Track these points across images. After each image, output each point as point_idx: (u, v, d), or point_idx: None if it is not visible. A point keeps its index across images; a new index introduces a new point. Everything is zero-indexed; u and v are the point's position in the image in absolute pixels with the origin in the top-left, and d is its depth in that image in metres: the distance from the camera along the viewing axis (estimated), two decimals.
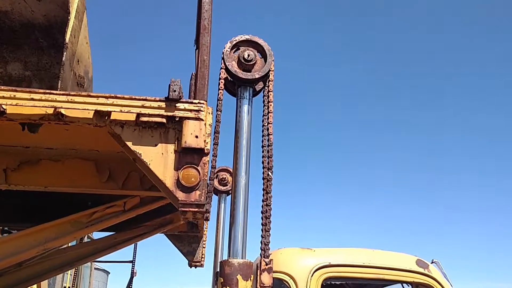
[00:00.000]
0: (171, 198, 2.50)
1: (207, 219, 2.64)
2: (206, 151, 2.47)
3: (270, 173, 3.14)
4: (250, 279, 2.86)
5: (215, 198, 6.10)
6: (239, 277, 2.81)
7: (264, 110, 3.29)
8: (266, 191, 3.13)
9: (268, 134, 3.22)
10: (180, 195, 2.44)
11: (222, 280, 2.82)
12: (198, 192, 2.45)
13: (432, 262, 3.88)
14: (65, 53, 3.13)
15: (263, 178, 3.15)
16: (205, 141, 2.47)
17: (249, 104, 3.20)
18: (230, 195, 5.67)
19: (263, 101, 3.28)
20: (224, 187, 6.06)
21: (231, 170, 6.05)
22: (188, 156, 2.47)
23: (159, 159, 2.46)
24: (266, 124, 3.26)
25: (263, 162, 3.19)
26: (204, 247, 4.99)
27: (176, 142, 2.49)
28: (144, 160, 2.45)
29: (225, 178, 6.00)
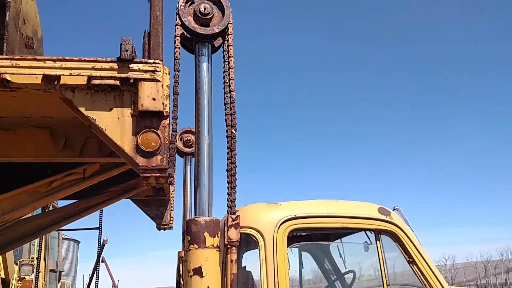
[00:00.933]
0: (132, 164, 2.42)
1: (171, 183, 2.57)
2: (165, 113, 2.37)
3: (233, 131, 3.09)
4: (217, 236, 2.85)
5: (180, 160, 6.03)
6: (206, 234, 2.79)
7: (224, 66, 3.17)
8: (231, 149, 3.09)
9: (230, 91, 3.13)
10: (141, 161, 2.35)
11: (189, 238, 2.80)
12: (159, 157, 2.37)
13: (394, 209, 3.94)
14: (8, 13, 2.91)
15: (227, 136, 3.10)
16: (163, 103, 2.37)
17: (208, 62, 3.08)
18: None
19: (223, 57, 3.16)
20: (189, 149, 5.98)
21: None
22: (146, 120, 2.37)
23: (115, 124, 2.35)
24: (227, 81, 3.15)
25: (226, 120, 3.12)
26: (172, 210, 4.95)
27: (132, 106, 2.38)
28: (100, 126, 2.34)
29: (189, 139, 5.91)
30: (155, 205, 4.74)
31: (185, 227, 2.93)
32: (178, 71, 2.79)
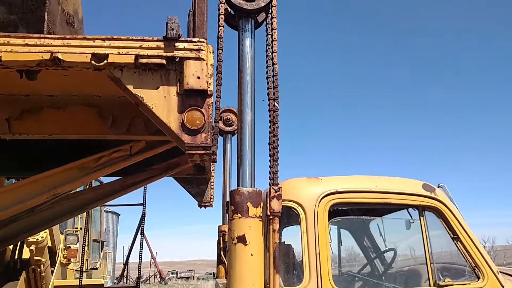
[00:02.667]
0: (177, 142, 2.47)
1: (214, 161, 2.62)
2: (209, 92, 2.40)
3: (276, 104, 3.10)
4: (260, 206, 2.91)
5: (220, 139, 6.10)
6: (249, 204, 2.87)
7: (267, 39, 3.16)
8: (273, 122, 3.11)
9: (273, 64, 3.12)
10: (186, 138, 2.40)
11: (233, 208, 2.88)
12: (203, 135, 2.41)
13: (438, 186, 3.88)
14: None
15: (269, 110, 3.11)
16: (207, 82, 2.39)
17: (251, 38, 3.08)
18: (236, 135, 5.64)
19: (266, 30, 3.14)
20: (229, 128, 6.04)
21: (235, 110, 6.07)
22: (191, 99, 2.41)
23: (162, 102, 2.40)
24: (270, 54, 3.14)
25: (268, 94, 3.12)
26: (212, 188, 5.03)
27: (178, 84, 2.42)
28: (147, 104, 2.39)
29: (229, 118, 5.98)
30: (196, 183, 4.83)
31: (229, 197, 3.00)
32: (222, 49, 2.82)
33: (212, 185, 5.01)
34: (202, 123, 2.40)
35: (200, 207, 4.98)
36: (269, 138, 3.13)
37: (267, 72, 3.14)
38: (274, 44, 3.10)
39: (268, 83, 3.14)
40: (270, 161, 3.12)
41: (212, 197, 5.01)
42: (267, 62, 3.17)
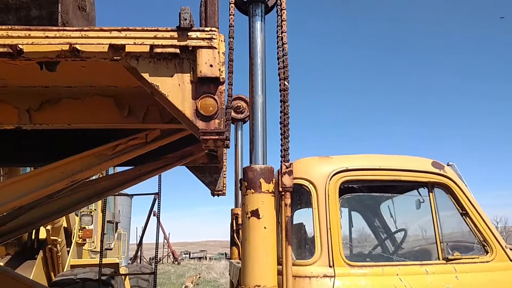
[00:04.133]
0: (192, 128, 2.57)
1: (227, 146, 2.72)
2: (221, 79, 2.49)
3: (286, 83, 3.17)
4: (272, 182, 3.02)
5: (232, 127, 6.18)
6: (261, 180, 3.01)
7: (277, 20, 3.23)
8: (283, 100, 3.18)
9: (283, 44, 3.19)
10: (200, 124, 2.49)
11: (246, 184, 3.00)
12: (217, 121, 2.50)
13: (447, 165, 3.93)
14: None
15: (280, 89, 3.18)
16: (219, 69, 2.48)
17: (262, 21, 3.15)
18: (247, 122, 5.73)
19: (276, 11, 3.19)
20: (240, 115, 6.10)
21: (246, 98, 6.14)
22: (204, 86, 2.50)
23: (176, 90, 2.49)
24: (280, 34, 3.20)
25: (279, 74, 3.19)
26: (224, 177, 5.13)
27: (191, 73, 2.51)
28: (162, 92, 2.49)
29: (240, 106, 6.04)
30: (209, 172, 4.94)
31: (242, 174, 3.12)
32: (233, 37, 2.91)
33: (224, 174, 5.11)
34: (215, 109, 2.49)
35: (213, 196, 5.09)
36: (280, 116, 3.21)
37: (277, 53, 3.21)
38: (284, 24, 3.15)
39: (278, 63, 3.20)
40: (281, 139, 3.21)
41: (224, 185, 5.12)
42: (277, 42, 3.23)
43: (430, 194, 3.73)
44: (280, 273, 3.18)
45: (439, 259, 3.63)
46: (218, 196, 5.14)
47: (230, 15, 2.97)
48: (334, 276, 3.38)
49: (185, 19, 2.46)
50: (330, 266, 3.41)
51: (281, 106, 3.22)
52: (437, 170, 3.77)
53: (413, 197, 4.09)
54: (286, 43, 3.17)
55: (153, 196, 9.93)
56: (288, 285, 3.17)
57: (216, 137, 2.51)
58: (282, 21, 3.17)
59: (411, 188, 4.04)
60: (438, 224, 3.67)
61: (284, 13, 3.14)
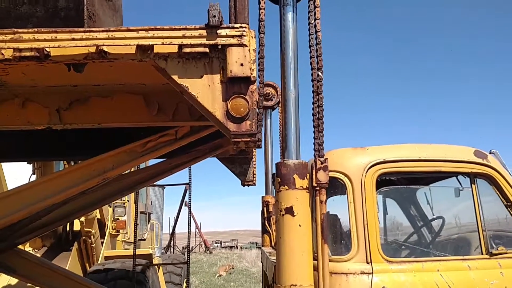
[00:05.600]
0: (223, 129, 2.49)
1: (259, 147, 2.65)
2: (252, 79, 2.38)
3: (320, 73, 3.04)
4: (306, 178, 2.94)
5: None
6: (295, 176, 2.92)
7: (309, 6, 3.08)
8: (317, 92, 3.06)
9: (316, 32, 3.04)
10: (231, 126, 2.41)
11: (279, 180, 2.93)
12: (248, 122, 2.41)
13: (490, 153, 3.77)
14: None
15: (313, 80, 3.06)
16: (250, 68, 2.37)
17: (293, 12, 3.01)
18: (278, 110, 5.60)
19: None
20: (269, 102, 6.00)
21: (275, 85, 6.02)
22: (235, 86, 2.40)
23: (206, 91, 2.41)
24: (313, 21, 3.05)
25: (311, 63, 3.06)
26: (254, 167, 5.09)
27: (221, 72, 2.41)
28: (192, 93, 2.40)
29: (269, 93, 5.92)
30: (239, 163, 4.89)
31: (275, 170, 3.04)
32: (264, 33, 2.78)
33: (254, 165, 5.06)
34: (246, 110, 2.40)
35: (243, 186, 5.06)
36: (313, 108, 3.09)
37: (309, 41, 3.07)
38: (317, 11, 3.02)
39: (311, 51, 3.06)
40: (314, 132, 3.10)
41: (254, 176, 5.08)
42: (309, 30, 3.08)
43: (473, 185, 3.59)
44: (315, 269, 3.12)
45: (481, 253, 3.50)
46: (248, 186, 5.11)
47: (260, 9, 2.83)
48: (372, 272, 3.30)
49: (214, 16, 2.35)
50: (368, 263, 3.33)
51: (313, 97, 3.09)
52: (480, 160, 3.61)
53: (452, 185, 3.95)
54: (319, 31, 3.03)
55: (184, 186, 10.01)
56: (325, 283, 3.11)
57: (248, 139, 2.42)
58: (315, 7, 3.03)
59: (451, 177, 3.90)
60: (481, 217, 3.53)
61: None
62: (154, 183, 5.39)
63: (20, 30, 2.41)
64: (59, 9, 2.77)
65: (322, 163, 3.06)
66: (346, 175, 3.48)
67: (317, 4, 3.02)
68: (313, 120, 3.10)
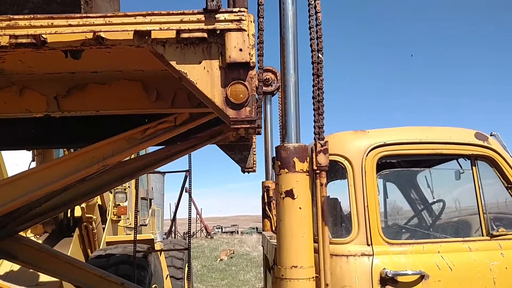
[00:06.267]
0: (222, 116, 2.47)
1: (258, 133, 2.63)
2: (251, 64, 2.35)
3: (320, 55, 3.00)
4: (306, 161, 2.93)
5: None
6: (295, 159, 2.91)
7: None
8: (317, 74, 3.02)
9: (316, 13, 2.99)
10: (231, 113, 2.39)
11: (279, 163, 2.92)
12: (248, 108, 2.39)
13: (491, 135, 3.76)
14: None
15: (313, 62, 3.02)
16: (249, 53, 2.34)
17: None
18: (277, 95, 5.56)
19: None
20: (269, 88, 5.95)
21: (274, 70, 5.98)
22: (234, 72, 2.37)
23: (205, 77, 2.38)
24: (312, 2, 3.01)
25: (311, 45, 3.02)
26: (254, 154, 5.09)
27: (220, 58, 2.38)
28: (190, 79, 2.38)
29: (269, 78, 5.86)
30: (238, 149, 4.88)
31: (275, 153, 3.04)
32: (263, 17, 2.74)
33: (254, 151, 5.05)
34: (246, 96, 2.37)
35: (244, 173, 5.06)
36: (313, 91, 3.05)
37: (309, 22, 3.01)
38: None
39: (311, 33, 3.01)
40: (314, 115, 3.07)
41: (254, 162, 5.07)
42: (309, 11, 3.03)
43: (473, 167, 3.58)
44: (316, 251, 3.13)
45: (482, 234, 3.51)
46: (248, 173, 5.10)
47: None
48: (373, 254, 3.31)
49: (212, 0, 2.31)
50: (368, 245, 3.34)
51: (313, 80, 3.06)
52: (480, 142, 3.60)
53: (452, 167, 3.95)
54: (319, 12, 2.98)
55: (184, 173, 10.03)
56: (326, 265, 3.13)
57: (248, 125, 2.40)
58: None
59: (452, 160, 3.89)
60: (482, 198, 3.53)
61: None
62: (154, 170, 5.39)
63: (16, 17, 2.38)
64: None
65: (322, 146, 3.04)
66: (346, 158, 3.47)
67: None
68: (313, 103, 3.07)
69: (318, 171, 3.09)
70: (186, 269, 9.91)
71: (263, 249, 5.88)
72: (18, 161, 6.94)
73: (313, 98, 3.07)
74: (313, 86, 3.05)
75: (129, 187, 11.44)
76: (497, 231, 3.46)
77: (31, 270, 5.85)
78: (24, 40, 2.36)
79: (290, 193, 2.91)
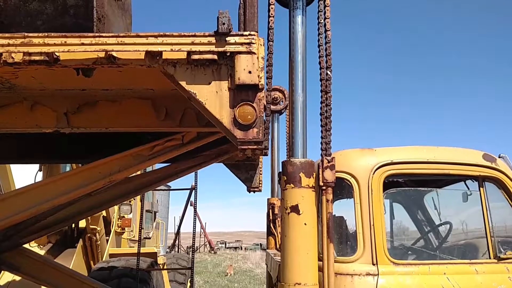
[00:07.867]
0: (229, 137, 2.49)
1: (265, 155, 2.64)
2: (260, 86, 2.38)
3: (328, 72, 3.01)
4: (313, 177, 2.92)
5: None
6: (301, 174, 2.90)
7: (319, 5, 3.05)
8: (325, 91, 3.03)
9: (326, 31, 3.01)
10: (238, 134, 2.41)
11: (285, 178, 2.92)
12: (255, 130, 2.41)
13: (499, 157, 3.75)
14: None
15: (321, 79, 3.04)
16: (258, 76, 2.37)
17: (303, 15, 2.99)
18: (285, 114, 5.58)
19: None
20: (277, 107, 5.98)
21: (282, 89, 6.02)
22: (242, 93, 2.40)
23: (214, 98, 2.41)
24: (322, 20, 3.03)
25: (320, 63, 3.04)
26: (261, 174, 5.09)
27: (229, 79, 2.41)
28: (200, 99, 2.41)
29: (277, 97, 5.90)
30: (245, 169, 4.90)
31: (281, 168, 3.03)
32: (272, 41, 2.77)
33: (260, 171, 5.06)
34: (253, 118, 2.40)
35: (249, 192, 5.06)
36: (321, 108, 3.07)
37: (318, 40, 3.04)
38: (327, 10, 2.99)
39: (319, 51, 3.04)
40: (322, 131, 3.07)
41: (260, 182, 5.07)
42: (318, 29, 3.06)
43: (481, 188, 3.57)
44: (320, 269, 3.11)
45: (489, 258, 3.48)
46: (254, 192, 5.10)
47: (269, 16, 2.82)
48: (378, 274, 3.29)
49: (223, 24, 2.35)
50: (374, 264, 3.32)
51: (322, 97, 3.07)
52: (488, 163, 3.59)
53: (459, 189, 3.93)
54: (329, 30, 3.00)
55: (190, 185, 10.06)
56: (330, 283, 3.10)
57: (255, 146, 2.42)
58: (325, 6, 3.01)
59: (459, 181, 3.88)
60: (490, 220, 3.51)
61: None
62: (162, 188, 5.40)
63: (30, 34, 2.43)
64: (68, 6, 2.78)
65: (329, 162, 3.03)
66: (353, 176, 3.47)
67: (327, 3, 3.00)
68: (321, 119, 3.08)
69: (324, 187, 3.07)
70: (189, 284, 9.86)
71: (267, 267, 5.86)
72: (25, 170, 6.97)
73: (320, 114, 3.09)
74: (321, 102, 3.06)
75: (134, 199, 11.45)
76: (505, 254, 3.44)
77: (31, 282, 5.86)
78: (37, 58, 2.41)
79: (295, 209, 2.89)
